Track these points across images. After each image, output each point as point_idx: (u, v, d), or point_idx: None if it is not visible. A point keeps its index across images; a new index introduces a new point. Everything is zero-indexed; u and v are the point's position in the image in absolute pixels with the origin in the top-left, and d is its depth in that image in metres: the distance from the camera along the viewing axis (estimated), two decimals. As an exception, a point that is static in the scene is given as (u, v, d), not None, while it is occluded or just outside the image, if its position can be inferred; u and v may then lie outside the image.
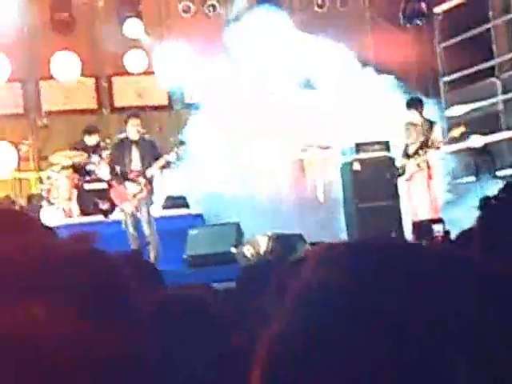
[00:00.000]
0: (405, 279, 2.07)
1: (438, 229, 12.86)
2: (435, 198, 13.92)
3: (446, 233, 12.58)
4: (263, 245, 14.48)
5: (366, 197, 14.66)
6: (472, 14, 16.22)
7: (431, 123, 14.13)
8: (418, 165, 13.84)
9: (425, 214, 13.51)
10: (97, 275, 2.76)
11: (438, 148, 14.02)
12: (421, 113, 14.15)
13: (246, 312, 3.67)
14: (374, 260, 2.11)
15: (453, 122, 15.75)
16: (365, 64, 16.77)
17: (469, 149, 15.45)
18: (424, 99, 14.78)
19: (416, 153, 13.88)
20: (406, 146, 14.04)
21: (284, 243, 13.92)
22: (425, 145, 13.84)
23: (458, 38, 16.61)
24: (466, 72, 16.56)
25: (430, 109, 15.28)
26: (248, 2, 17.13)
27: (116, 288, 2.79)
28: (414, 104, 14.17)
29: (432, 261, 2.36)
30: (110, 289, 2.77)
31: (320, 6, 17.50)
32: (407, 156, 13.95)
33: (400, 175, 13.93)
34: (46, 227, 3.05)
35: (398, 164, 14.02)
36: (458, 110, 16.07)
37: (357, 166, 14.80)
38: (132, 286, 2.91)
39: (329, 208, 15.75)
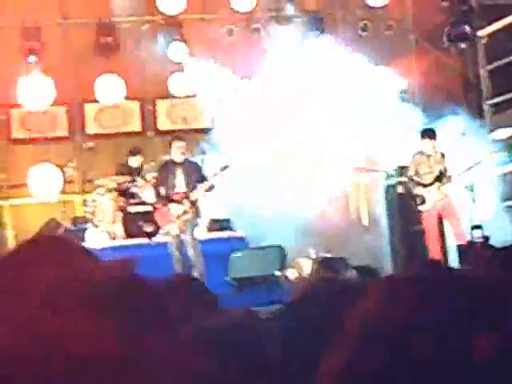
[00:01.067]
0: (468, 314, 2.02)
1: (477, 234, 12.98)
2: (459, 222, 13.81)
3: (486, 238, 12.79)
4: (307, 268, 14.56)
5: (410, 220, 14.67)
6: None
7: (442, 155, 13.98)
8: (441, 192, 13.73)
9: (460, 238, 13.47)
10: (135, 302, 2.77)
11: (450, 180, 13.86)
12: (434, 144, 13.95)
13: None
14: (435, 295, 2.13)
15: (497, 145, 15.63)
16: (408, 87, 16.77)
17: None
18: (469, 121, 14.74)
19: (432, 183, 13.77)
20: (415, 174, 13.90)
21: (328, 267, 13.90)
22: (443, 175, 13.75)
23: (503, 61, 16.44)
24: (510, 95, 16.39)
25: (474, 132, 15.20)
26: (292, 26, 17.02)
27: (155, 314, 2.80)
28: (428, 134, 14.00)
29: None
30: (149, 314, 2.78)
31: (364, 30, 17.41)
32: (423, 185, 13.77)
33: (420, 204, 13.78)
34: (88, 252, 2.97)
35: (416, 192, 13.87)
36: (503, 134, 15.95)
37: (401, 189, 14.78)
38: (173, 312, 2.91)
39: (373, 231, 15.72)
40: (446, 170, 13.86)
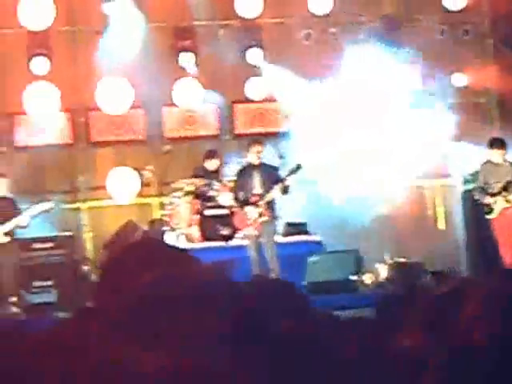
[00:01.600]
0: None
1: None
2: None
3: None
4: (383, 273, 14.61)
5: (487, 226, 14.53)
6: None
7: (511, 164, 13.93)
8: (508, 201, 13.70)
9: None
10: (234, 303, 2.69)
11: None
12: (503, 153, 13.90)
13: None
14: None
15: None
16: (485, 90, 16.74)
17: None
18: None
19: (500, 192, 13.72)
20: (485, 184, 13.88)
21: (404, 272, 13.91)
22: (510, 184, 13.72)
23: None
24: None
25: None
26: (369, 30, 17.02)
27: (251, 317, 2.74)
28: (497, 144, 13.96)
29: None
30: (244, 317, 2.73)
31: (441, 34, 17.34)
32: (490, 194, 13.75)
33: (488, 213, 13.76)
34: (189, 255, 3.04)
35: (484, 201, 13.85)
36: None
37: (477, 195, 14.74)
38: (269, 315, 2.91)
39: (449, 235, 15.65)
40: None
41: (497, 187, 13.70)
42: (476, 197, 13.99)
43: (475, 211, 14.88)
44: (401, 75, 16.54)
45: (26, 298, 13.94)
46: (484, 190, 13.75)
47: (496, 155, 13.86)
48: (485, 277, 12.94)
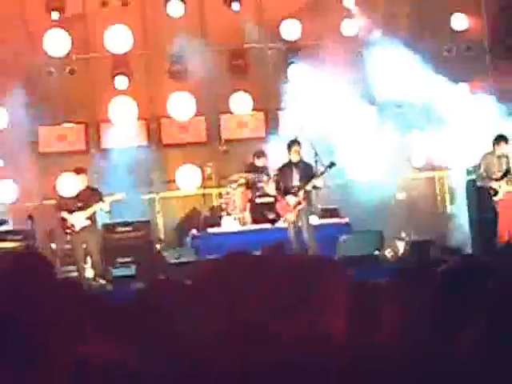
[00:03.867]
0: None
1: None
2: None
3: None
4: (401, 249, 14.63)
5: (486, 209, 14.20)
6: None
7: (507, 156, 13.58)
8: (510, 185, 13.37)
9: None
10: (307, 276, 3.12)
11: None
12: (505, 147, 13.53)
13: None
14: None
15: None
16: (484, 100, 16.22)
17: None
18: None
19: (502, 177, 13.42)
20: (488, 172, 13.54)
21: (418, 248, 13.86)
22: (508, 172, 13.37)
23: None
24: None
25: None
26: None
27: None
28: (501, 139, 13.57)
29: None
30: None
31: (448, 51, 17.23)
32: (494, 180, 13.43)
33: (494, 195, 13.44)
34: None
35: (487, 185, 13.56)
36: None
37: (480, 183, 14.53)
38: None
39: (455, 218, 15.47)
40: (510, 166, 13.48)
41: (499, 174, 13.38)
42: (480, 183, 13.68)
43: (477, 197, 14.50)
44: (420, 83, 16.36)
45: (110, 271, 13.87)
46: (488, 177, 13.40)
47: (499, 148, 13.48)
48: (485, 252, 12.90)
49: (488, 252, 12.74)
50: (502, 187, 13.41)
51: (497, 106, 15.97)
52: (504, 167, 13.53)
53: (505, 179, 13.46)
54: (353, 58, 16.76)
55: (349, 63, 16.54)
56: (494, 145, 13.65)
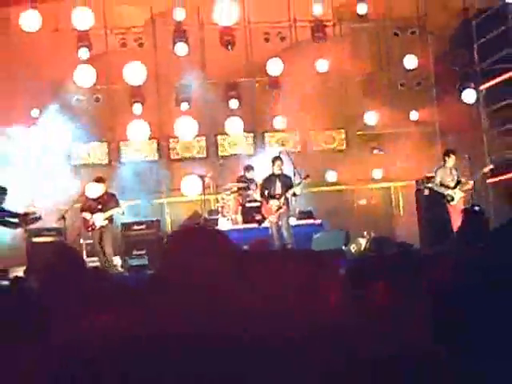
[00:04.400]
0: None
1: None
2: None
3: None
4: (363, 244, 14.54)
5: (431, 212, 14.47)
6: (504, 91, 15.81)
7: (456, 169, 13.66)
8: (462, 192, 13.42)
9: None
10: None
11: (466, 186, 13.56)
12: (454, 160, 13.60)
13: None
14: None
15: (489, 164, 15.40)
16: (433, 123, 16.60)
17: (503, 181, 15.14)
18: (472, 146, 14.56)
19: (456, 186, 13.41)
20: (441, 181, 13.52)
21: (377, 243, 13.78)
22: (459, 182, 13.46)
23: (497, 105, 16.23)
24: (502, 128, 16.20)
25: (476, 153, 14.94)
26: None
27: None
28: (450, 153, 13.65)
29: None
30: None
31: (402, 85, 17.25)
32: (449, 188, 13.42)
33: (451, 201, 13.41)
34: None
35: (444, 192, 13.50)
36: (495, 155, 15.81)
37: (427, 192, 14.68)
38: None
39: (406, 219, 15.64)
40: (459, 176, 13.54)
41: (452, 183, 13.41)
42: (437, 189, 13.56)
43: (424, 203, 14.75)
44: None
45: (127, 261, 14.04)
46: (444, 186, 13.40)
47: (450, 161, 13.54)
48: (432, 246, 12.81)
49: (439, 244, 12.47)
50: (457, 194, 13.34)
51: (438, 130, 16.34)
52: (455, 178, 13.45)
53: (458, 187, 13.38)
54: (324, 89, 16.77)
55: (322, 94, 16.64)
56: (444, 159, 13.60)
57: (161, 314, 2.64)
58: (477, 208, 12.93)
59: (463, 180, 13.51)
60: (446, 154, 13.68)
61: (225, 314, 2.56)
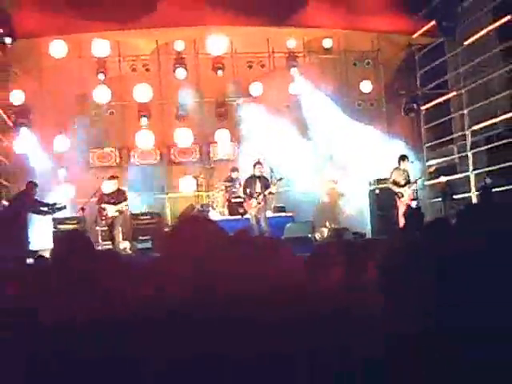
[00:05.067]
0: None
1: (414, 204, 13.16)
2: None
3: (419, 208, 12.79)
4: (325, 233, 14.58)
5: (381, 208, 14.54)
6: (440, 111, 15.93)
7: (408, 170, 13.60)
8: (409, 190, 13.32)
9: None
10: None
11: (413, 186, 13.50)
12: (406, 164, 13.59)
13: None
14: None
15: (429, 168, 15.64)
16: (383, 136, 16.58)
17: (438, 183, 15.23)
18: (415, 154, 14.63)
19: (405, 185, 13.31)
20: (394, 180, 13.38)
21: (336, 233, 13.85)
22: (409, 181, 13.39)
23: (434, 123, 16.38)
24: (437, 141, 16.34)
25: (417, 161, 14.97)
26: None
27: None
28: (404, 158, 13.62)
29: None
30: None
31: (359, 105, 17.29)
32: (400, 186, 13.31)
33: (400, 197, 13.28)
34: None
35: (396, 190, 13.40)
36: (433, 162, 15.91)
37: (377, 192, 14.75)
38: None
39: (360, 213, 15.54)
40: (409, 177, 13.39)
41: (403, 182, 13.31)
42: (391, 187, 13.36)
43: (377, 200, 14.77)
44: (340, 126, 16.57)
45: (134, 245, 13.99)
46: (397, 185, 13.27)
47: (403, 164, 13.47)
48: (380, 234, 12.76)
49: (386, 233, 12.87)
50: (406, 192, 13.21)
51: (387, 141, 16.32)
52: (406, 178, 13.33)
53: (407, 186, 13.25)
54: (295, 107, 16.79)
55: (293, 112, 16.69)
56: (399, 162, 13.44)
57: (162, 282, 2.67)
58: (415, 204, 13.12)
59: (412, 180, 13.42)
60: (401, 158, 13.56)
61: (213, 280, 2.57)
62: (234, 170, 15.45)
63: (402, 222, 12.82)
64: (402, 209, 13.16)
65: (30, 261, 10.23)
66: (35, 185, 12.77)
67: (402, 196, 13.24)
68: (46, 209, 12.91)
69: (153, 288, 2.71)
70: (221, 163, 16.59)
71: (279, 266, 2.89)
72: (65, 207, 13.27)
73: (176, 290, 2.57)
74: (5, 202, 14.00)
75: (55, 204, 13.05)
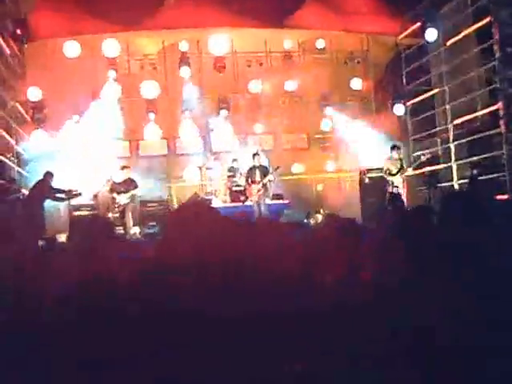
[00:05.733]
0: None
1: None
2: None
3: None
4: (320, 218, 14.63)
5: (370, 195, 14.78)
6: (424, 106, 16.17)
7: (401, 159, 13.88)
8: (402, 180, 13.50)
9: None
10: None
11: (404, 173, 13.69)
12: (398, 153, 13.84)
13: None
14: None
15: (415, 158, 15.83)
16: (372, 129, 16.80)
17: (423, 173, 15.53)
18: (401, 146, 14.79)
19: (397, 173, 13.49)
20: (388, 169, 13.56)
21: (331, 218, 13.93)
22: (400, 170, 13.58)
23: (419, 117, 16.56)
24: (422, 134, 16.51)
25: (404, 152, 15.31)
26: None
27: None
28: (396, 147, 13.88)
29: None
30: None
31: (350, 101, 17.46)
32: (392, 175, 13.52)
33: (391, 185, 13.48)
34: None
35: (388, 179, 13.58)
36: (418, 152, 16.14)
37: (367, 181, 14.97)
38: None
39: (353, 201, 15.61)
40: (402, 166, 13.45)
41: (395, 171, 13.41)
42: (383, 175, 13.49)
43: (365, 188, 14.95)
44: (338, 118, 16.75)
45: (143, 230, 14.04)
46: (389, 173, 13.39)
47: (395, 154, 13.39)
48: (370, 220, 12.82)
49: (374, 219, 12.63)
50: (397, 179, 13.22)
51: (376, 134, 16.52)
52: (398, 166, 13.34)
53: (398, 175, 13.29)
54: (291, 102, 16.87)
55: (290, 106, 16.87)
56: (391, 151, 13.50)
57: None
58: (396, 191, 13.28)
59: (404, 168, 13.46)
60: (392, 147, 13.65)
61: (215, 257, 2.57)
62: (235, 160, 15.57)
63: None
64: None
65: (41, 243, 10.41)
66: (52, 174, 13.01)
67: (393, 184, 13.30)
68: (62, 195, 13.08)
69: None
70: (223, 154, 16.55)
71: (277, 241, 2.93)
72: (80, 194, 13.40)
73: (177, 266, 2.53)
74: (24, 191, 14.20)
75: (71, 191, 13.10)
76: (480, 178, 12.61)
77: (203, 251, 2.57)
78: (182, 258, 2.60)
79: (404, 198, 13.14)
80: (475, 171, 13.08)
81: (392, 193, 13.19)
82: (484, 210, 2.90)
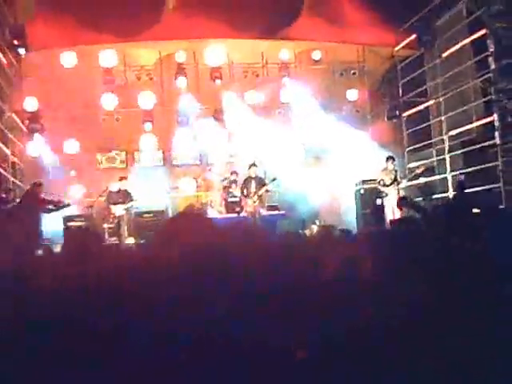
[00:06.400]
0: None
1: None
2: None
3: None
4: (315, 229, 14.50)
5: (365, 207, 14.82)
6: (420, 118, 16.15)
7: (396, 171, 13.94)
8: (397, 191, 13.52)
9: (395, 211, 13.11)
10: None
11: (400, 183, 13.73)
12: (393, 164, 13.90)
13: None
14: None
15: (410, 170, 15.86)
16: (368, 141, 16.79)
17: (418, 183, 15.57)
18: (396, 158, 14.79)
19: (390, 184, 13.57)
20: (382, 180, 13.67)
21: (326, 229, 13.88)
22: (395, 181, 13.66)
23: (414, 128, 16.57)
24: (417, 145, 16.54)
25: (400, 163, 15.23)
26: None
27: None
28: (390, 159, 13.96)
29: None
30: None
31: (345, 112, 17.41)
32: (386, 186, 13.63)
33: (385, 196, 13.57)
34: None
35: (381, 190, 13.68)
36: (413, 164, 16.19)
37: (362, 192, 15.01)
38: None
39: (349, 211, 15.70)
40: (396, 178, 13.49)
41: (389, 182, 13.50)
42: (378, 187, 13.57)
43: (360, 199, 14.97)
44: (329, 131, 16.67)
45: (139, 240, 13.79)
46: (384, 184, 13.48)
47: (390, 165, 13.52)
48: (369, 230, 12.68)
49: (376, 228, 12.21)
50: (391, 191, 13.32)
51: (372, 145, 16.57)
52: (392, 178, 13.43)
53: (392, 186, 13.36)
54: (287, 115, 16.93)
55: (285, 119, 16.85)
56: (386, 162, 13.59)
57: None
58: (379, 202, 13.27)
59: (399, 179, 13.48)
60: (387, 159, 13.73)
61: (209, 259, 2.60)
62: (233, 172, 15.55)
63: (390, 216, 13.01)
64: (388, 207, 13.31)
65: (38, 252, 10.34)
66: (40, 184, 12.61)
67: (386, 195, 13.34)
68: (51, 206, 12.74)
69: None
70: (218, 166, 16.64)
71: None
72: (69, 205, 13.16)
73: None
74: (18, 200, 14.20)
75: (60, 201, 12.89)
76: (470, 188, 12.74)
77: (189, 256, 2.62)
78: (166, 262, 2.64)
79: (394, 209, 13.07)
80: (462, 177, 13.15)
81: (376, 205, 13.27)
82: (468, 218, 3.01)
